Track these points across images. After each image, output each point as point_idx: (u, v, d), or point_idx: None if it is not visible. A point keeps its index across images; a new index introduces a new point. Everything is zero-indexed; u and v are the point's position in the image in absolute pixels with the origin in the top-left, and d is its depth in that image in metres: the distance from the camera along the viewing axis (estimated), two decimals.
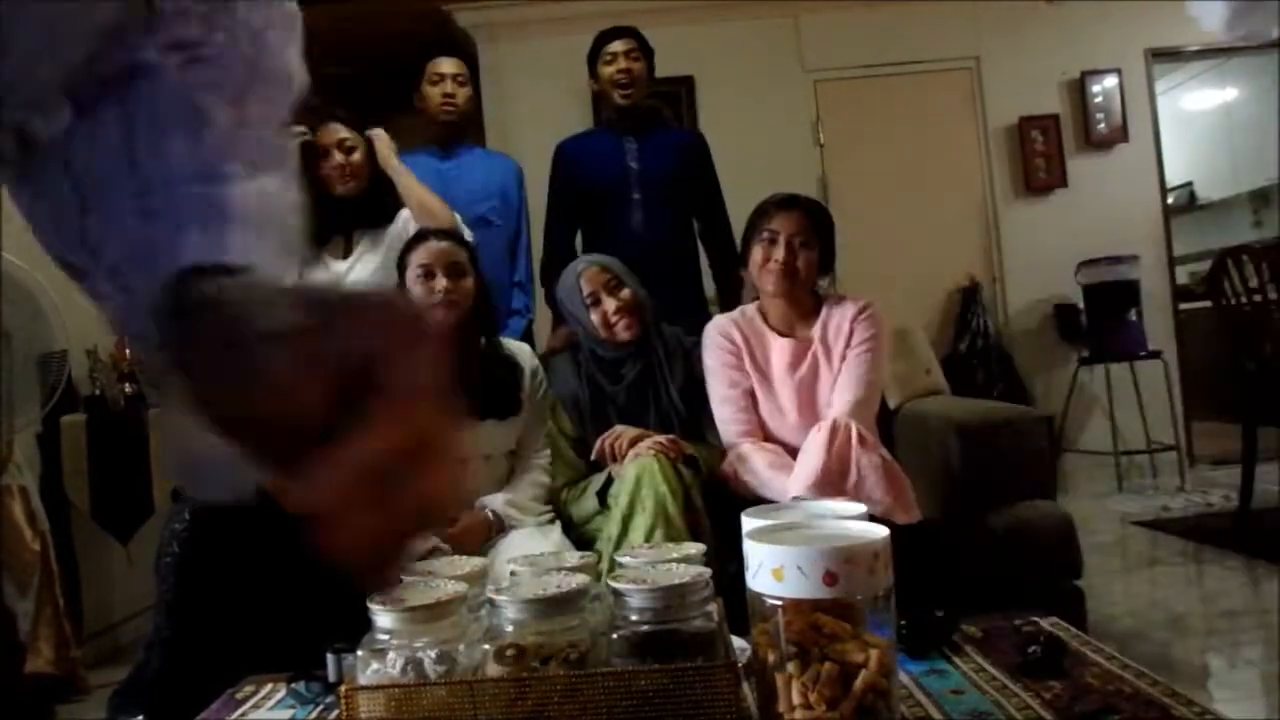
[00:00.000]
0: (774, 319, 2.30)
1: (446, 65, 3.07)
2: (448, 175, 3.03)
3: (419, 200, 2.64)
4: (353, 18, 5.42)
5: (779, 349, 2.25)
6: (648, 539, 1.93)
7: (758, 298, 2.34)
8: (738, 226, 2.51)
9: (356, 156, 2.58)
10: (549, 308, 2.84)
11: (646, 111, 3.15)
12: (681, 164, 3.07)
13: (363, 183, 2.61)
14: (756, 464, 2.12)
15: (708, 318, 2.88)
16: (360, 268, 2.57)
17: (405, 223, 2.64)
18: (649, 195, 3.01)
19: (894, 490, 1.94)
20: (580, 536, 2.20)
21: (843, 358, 2.20)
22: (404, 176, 2.69)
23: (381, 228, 2.64)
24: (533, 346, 3.04)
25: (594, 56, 3.08)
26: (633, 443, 2.11)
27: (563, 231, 3.09)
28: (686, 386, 2.32)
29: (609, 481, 2.13)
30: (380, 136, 2.70)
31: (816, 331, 2.24)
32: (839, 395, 2.16)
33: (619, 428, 2.18)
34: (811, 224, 2.22)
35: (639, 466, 2.02)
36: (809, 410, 2.21)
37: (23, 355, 2.67)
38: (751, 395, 2.25)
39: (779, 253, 2.18)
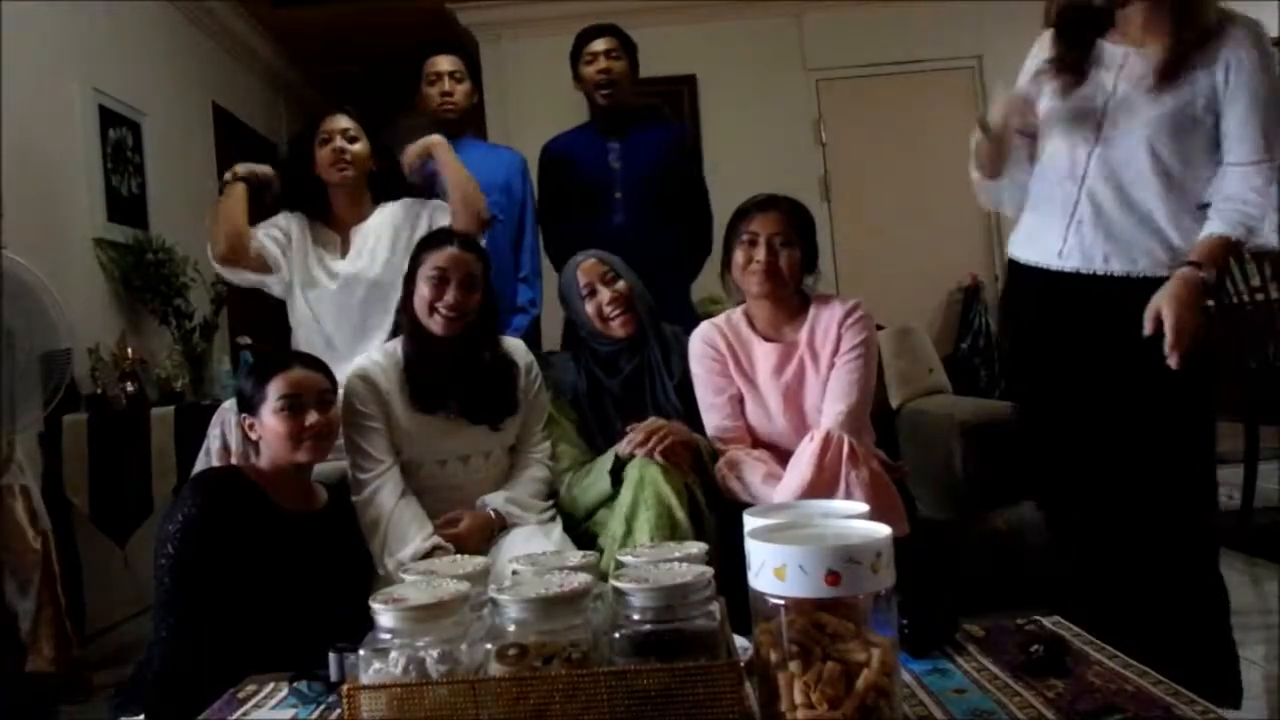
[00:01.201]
0: (759, 323, 2.28)
1: (443, 63, 3.02)
2: None
3: (465, 194, 2.57)
4: (356, 17, 5.43)
5: (764, 353, 2.23)
6: (652, 537, 1.93)
7: (743, 301, 2.33)
8: None
9: (358, 147, 2.52)
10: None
11: (631, 110, 3.12)
12: (664, 163, 3.04)
13: (360, 173, 2.54)
14: (746, 472, 2.11)
15: (691, 318, 2.86)
16: (370, 267, 2.51)
17: (418, 209, 2.59)
18: (631, 196, 2.99)
19: (882, 505, 1.92)
20: (581, 535, 2.19)
21: (831, 363, 2.18)
22: (457, 169, 2.61)
23: (378, 219, 2.58)
24: (539, 342, 3.02)
25: (576, 56, 3.05)
26: (662, 437, 2.07)
27: (558, 230, 3.07)
28: (684, 383, 2.32)
29: (618, 462, 2.11)
30: (439, 142, 2.65)
31: (803, 334, 2.22)
32: (830, 404, 2.14)
33: (656, 421, 2.13)
34: (791, 223, 2.20)
35: (641, 465, 2.02)
36: (796, 414, 2.20)
37: (26, 354, 2.66)
38: (739, 401, 2.24)
39: (760, 254, 2.17)
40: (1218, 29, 1.86)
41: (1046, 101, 2.01)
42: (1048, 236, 2.01)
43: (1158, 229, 1.90)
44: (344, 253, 2.55)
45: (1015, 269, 2.11)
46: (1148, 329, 1.79)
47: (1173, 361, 1.76)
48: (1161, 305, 1.78)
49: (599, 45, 2.99)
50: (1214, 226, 1.84)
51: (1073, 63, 1.96)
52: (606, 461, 2.16)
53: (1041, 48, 2.05)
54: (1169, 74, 1.86)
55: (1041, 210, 2.05)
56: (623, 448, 2.11)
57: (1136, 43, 1.93)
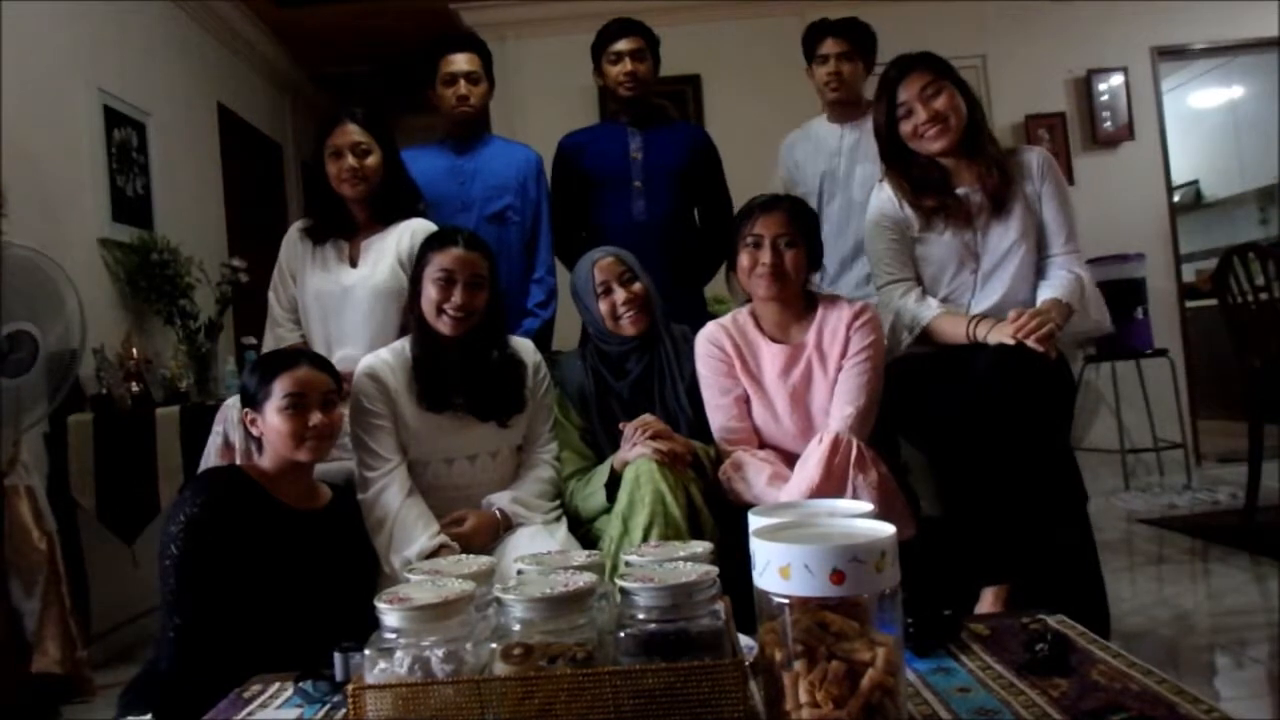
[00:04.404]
0: (766, 324, 2.28)
1: (459, 62, 2.92)
2: (463, 172, 2.96)
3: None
4: (361, 17, 5.44)
5: (771, 355, 2.23)
6: (645, 537, 1.93)
7: (749, 300, 2.32)
8: None
9: (371, 160, 2.49)
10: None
11: (653, 106, 3.11)
12: (686, 159, 3.03)
13: (373, 186, 2.52)
14: (751, 474, 2.11)
15: (704, 313, 2.84)
16: (375, 277, 2.49)
17: (414, 235, 2.52)
18: (651, 185, 2.97)
19: (889, 508, 1.93)
20: (586, 535, 2.19)
21: (839, 366, 2.17)
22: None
23: (386, 230, 2.57)
24: (550, 343, 3.01)
25: (598, 50, 3.02)
26: (655, 436, 2.09)
27: (568, 229, 3.06)
28: (693, 385, 2.31)
29: (613, 476, 2.12)
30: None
31: (811, 336, 2.22)
32: (838, 407, 2.14)
33: (647, 417, 2.16)
34: (795, 223, 2.20)
35: (638, 465, 2.02)
36: (803, 416, 2.20)
37: (37, 353, 2.65)
38: (745, 402, 2.24)
39: (765, 256, 2.16)
40: (1013, 160, 2.39)
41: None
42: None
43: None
44: (352, 261, 2.55)
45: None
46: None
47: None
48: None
49: (624, 45, 2.95)
50: (1048, 292, 2.30)
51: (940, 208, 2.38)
52: (602, 475, 2.17)
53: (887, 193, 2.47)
54: (1000, 208, 2.35)
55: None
56: (617, 460, 2.12)
57: (970, 185, 2.37)
